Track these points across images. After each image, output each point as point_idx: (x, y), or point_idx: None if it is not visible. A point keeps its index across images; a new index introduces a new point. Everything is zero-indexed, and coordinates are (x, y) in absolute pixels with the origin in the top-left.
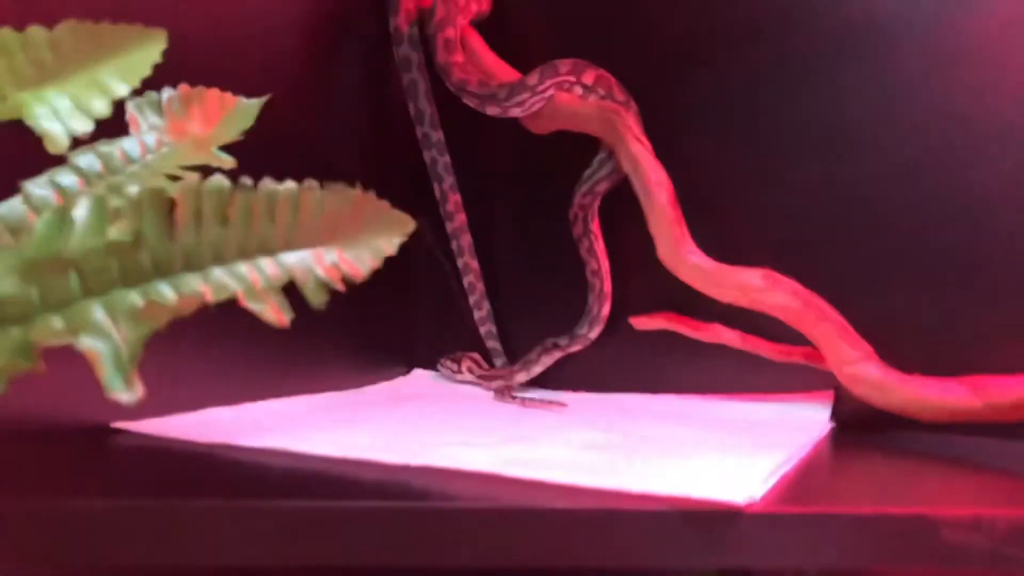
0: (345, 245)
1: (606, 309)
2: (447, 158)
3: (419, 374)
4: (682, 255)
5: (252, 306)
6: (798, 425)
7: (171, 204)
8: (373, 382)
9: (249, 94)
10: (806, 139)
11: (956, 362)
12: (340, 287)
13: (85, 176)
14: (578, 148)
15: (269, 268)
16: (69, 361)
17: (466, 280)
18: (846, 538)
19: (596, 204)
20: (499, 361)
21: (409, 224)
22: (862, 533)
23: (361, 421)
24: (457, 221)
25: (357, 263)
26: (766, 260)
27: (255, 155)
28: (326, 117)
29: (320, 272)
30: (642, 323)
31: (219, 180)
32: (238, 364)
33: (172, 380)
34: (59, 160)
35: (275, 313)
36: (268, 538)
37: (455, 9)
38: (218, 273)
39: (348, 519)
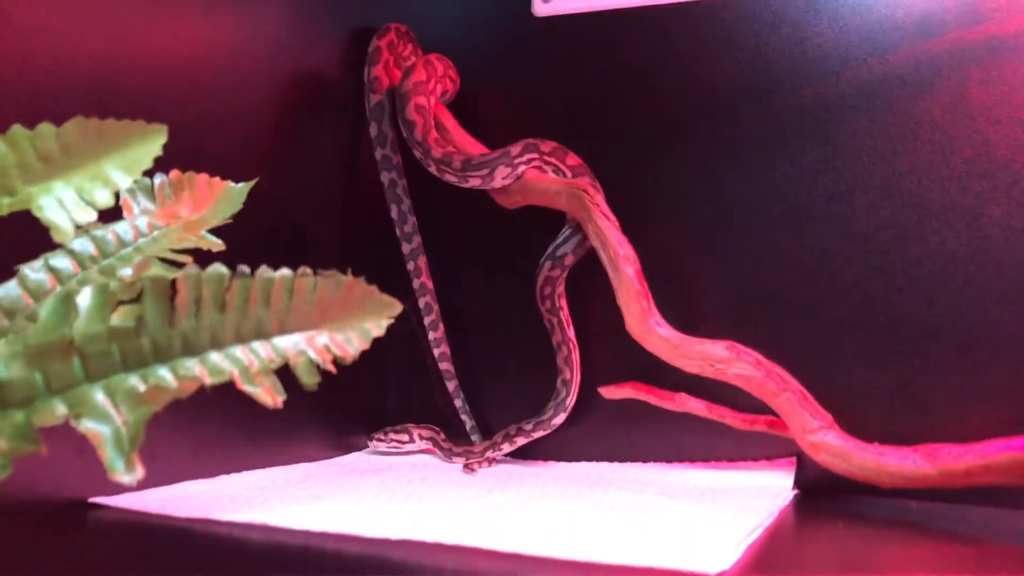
0: (335, 328)
1: (559, 419)
2: (405, 181)
3: None
4: (649, 327)
5: (247, 388)
6: (763, 492)
7: (172, 291)
8: (344, 453)
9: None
10: (766, 216)
11: (911, 430)
12: (331, 368)
13: (79, 260)
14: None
15: (264, 351)
16: (44, 436)
17: (423, 301)
18: None
19: (562, 283)
20: (451, 384)
21: (395, 307)
22: None
23: (337, 493)
24: (415, 242)
25: (347, 345)
26: (728, 332)
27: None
28: (303, 185)
29: (312, 354)
30: (610, 392)
31: (218, 268)
32: (212, 437)
33: (148, 454)
34: (51, 242)
35: (269, 395)
36: None
37: (428, 115)
38: (215, 357)
39: None
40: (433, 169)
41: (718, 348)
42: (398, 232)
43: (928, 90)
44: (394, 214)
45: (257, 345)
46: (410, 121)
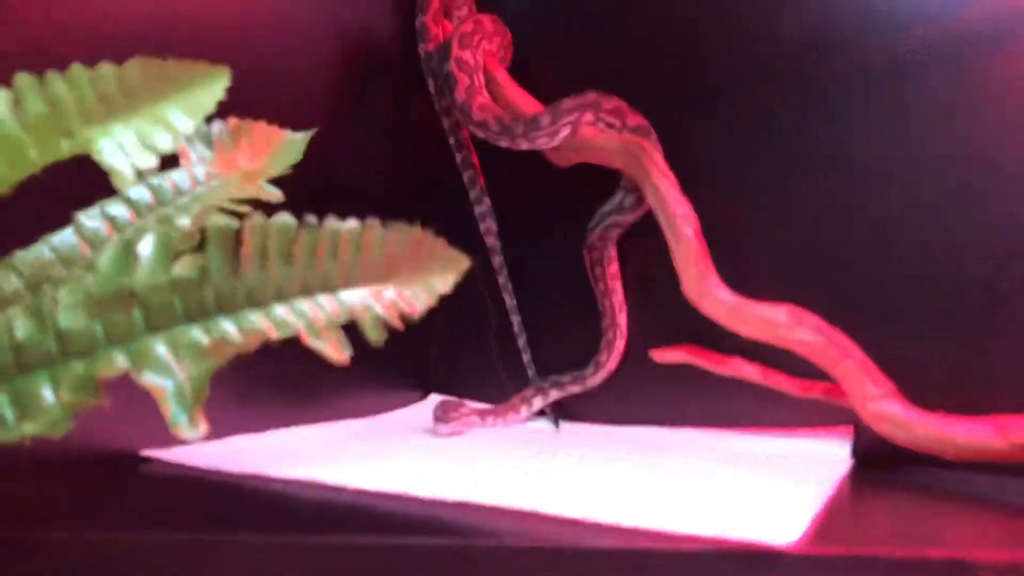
0: (403, 282)
1: (576, 389)
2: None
3: (436, 399)
4: (707, 289)
5: (313, 343)
6: (820, 460)
7: (237, 241)
8: (389, 408)
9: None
10: (828, 175)
11: (978, 400)
12: (399, 325)
13: (136, 208)
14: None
15: (330, 305)
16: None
17: (467, 174)
18: None
19: (611, 263)
20: (514, 315)
21: (464, 263)
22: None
23: (386, 451)
24: (454, 117)
25: (414, 300)
26: (786, 295)
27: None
28: (356, 144)
29: (379, 309)
30: (662, 356)
31: (285, 218)
32: (259, 392)
33: None
34: (107, 189)
35: (335, 349)
36: (305, 574)
37: (478, 70)
38: (280, 310)
39: (387, 555)
40: (504, 142)
41: (778, 312)
42: (436, 107)
43: (1005, 45)
44: (431, 88)
45: (323, 299)
46: (452, 75)
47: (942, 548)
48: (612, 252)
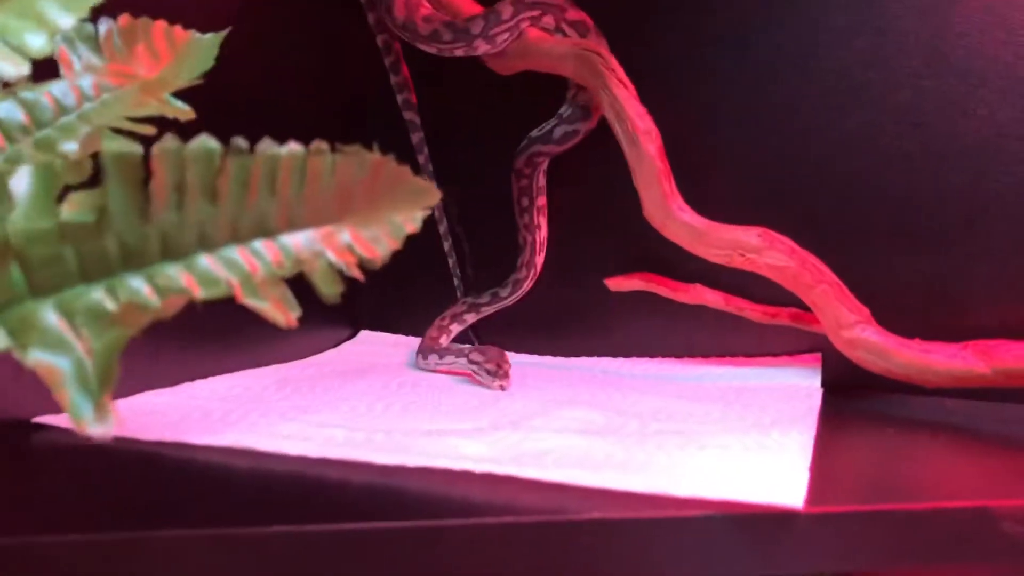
0: (359, 222)
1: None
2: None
3: (367, 337)
4: (671, 211)
5: (251, 302)
6: (792, 392)
7: (145, 173)
8: (318, 348)
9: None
10: (795, 86)
11: (951, 324)
12: (358, 275)
13: (5, 130)
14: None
15: (269, 253)
16: None
17: (407, 114)
18: (902, 535)
19: (541, 174)
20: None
21: (434, 195)
22: (919, 529)
23: (324, 404)
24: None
25: (374, 244)
26: (751, 217)
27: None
28: (277, 42)
29: (331, 256)
30: (618, 284)
31: (207, 141)
32: (170, 339)
33: None
34: None
35: (279, 310)
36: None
37: None
38: (205, 262)
39: (342, 543)
40: (461, 50)
41: (749, 235)
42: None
43: None
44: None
45: (260, 245)
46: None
47: (961, 498)
48: (541, 182)
